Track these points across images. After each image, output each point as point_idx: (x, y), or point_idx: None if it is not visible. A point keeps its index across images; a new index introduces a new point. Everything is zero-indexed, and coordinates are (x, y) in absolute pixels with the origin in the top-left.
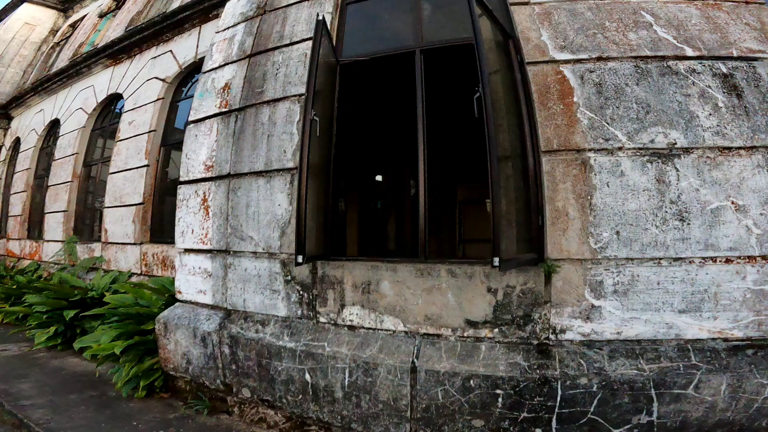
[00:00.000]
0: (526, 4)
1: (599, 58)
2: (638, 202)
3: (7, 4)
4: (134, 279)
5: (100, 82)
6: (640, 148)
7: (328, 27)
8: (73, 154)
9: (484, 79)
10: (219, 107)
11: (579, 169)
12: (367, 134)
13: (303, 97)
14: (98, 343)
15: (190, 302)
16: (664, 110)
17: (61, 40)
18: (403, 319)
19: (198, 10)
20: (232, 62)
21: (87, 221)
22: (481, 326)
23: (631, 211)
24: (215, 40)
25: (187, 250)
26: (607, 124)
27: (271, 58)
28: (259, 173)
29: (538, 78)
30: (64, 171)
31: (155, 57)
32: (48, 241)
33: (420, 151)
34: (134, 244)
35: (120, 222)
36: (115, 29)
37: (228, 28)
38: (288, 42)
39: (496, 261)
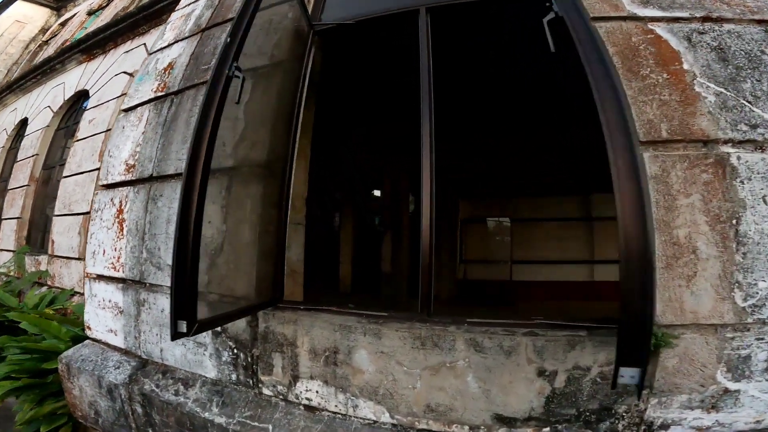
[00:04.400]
0: None
1: (707, 18)
2: None
3: (1, 3)
4: (76, 299)
5: (71, 79)
6: None
7: None
8: (32, 156)
9: None
10: (155, 91)
11: (712, 173)
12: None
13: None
14: None
15: (100, 342)
16: None
17: (50, 39)
18: (389, 407)
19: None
20: (183, 39)
21: (41, 230)
22: (522, 424)
23: None
24: (172, 19)
25: (99, 277)
26: (749, 103)
27: (228, 29)
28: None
29: (616, 38)
30: (23, 174)
31: (128, 51)
32: (1, 250)
33: (425, 165)
34: (78, 259)
35: (66, 233)
36: (98, 26)
37: (189, 4)
38: None
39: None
